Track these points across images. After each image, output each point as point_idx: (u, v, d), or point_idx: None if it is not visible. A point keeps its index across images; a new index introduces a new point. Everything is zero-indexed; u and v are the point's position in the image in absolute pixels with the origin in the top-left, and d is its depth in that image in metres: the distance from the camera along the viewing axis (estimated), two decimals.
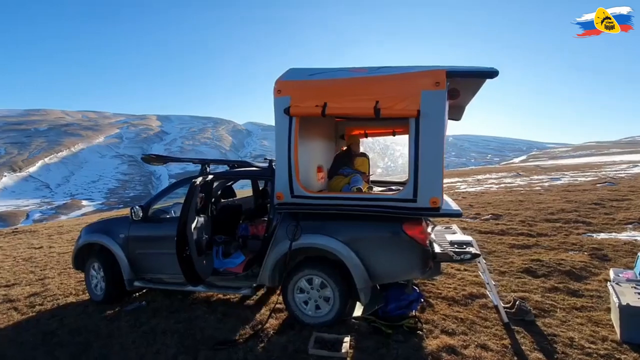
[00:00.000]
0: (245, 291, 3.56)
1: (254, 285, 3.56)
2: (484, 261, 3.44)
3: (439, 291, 4.04)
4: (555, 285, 4.08)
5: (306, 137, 4.16)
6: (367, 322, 3.27)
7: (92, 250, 4.24)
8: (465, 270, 4.79)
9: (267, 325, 3.35)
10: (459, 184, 20.53)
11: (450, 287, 4.14)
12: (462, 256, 3.09)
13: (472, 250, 3.19)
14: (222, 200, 4.64)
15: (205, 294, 4.15)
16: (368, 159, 4.36)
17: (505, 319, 3.23)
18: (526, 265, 4.73)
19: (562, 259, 4.90)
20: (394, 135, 4.84)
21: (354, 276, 3.13)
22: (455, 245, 3.31)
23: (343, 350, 2.81)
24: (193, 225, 3.18)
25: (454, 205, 3.08)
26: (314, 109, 2.93)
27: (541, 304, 3.59)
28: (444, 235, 3.69)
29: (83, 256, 4.31)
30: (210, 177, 3.66)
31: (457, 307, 3.62)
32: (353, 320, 3.35)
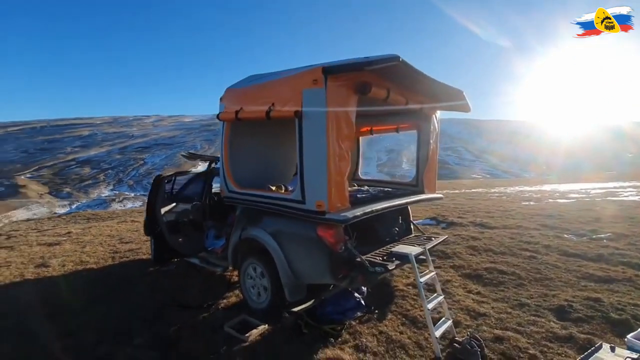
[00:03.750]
0: (220, 269, 4.18)
1: (227, 265, 4.13)
2: (422, 281, 2.87)
3: (409, 308, 3.58)
4: (574, 334, 2.98)
5: (287, 137, 4.39)
6: (295, 318, 3.33)
7: None
8: (478, 293, 3.99)
9: (225, 301, 3.86)
10: (628, 190, 15.25)
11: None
12: (375, 268, 2.77)
13: (389, 265, 2.80)
14: None
15: (213, 270, 4.96)
16: None
17: (438, 354, 2.69)
18: (567, 304, 3.55)
19: (637, 304, 3.43)
20: (397, 132, 4.43)
21: (278, 268, 3.25)
22: (384, 257, 2.95)
23: (247, 335, 3.04)
24: (166, 209, 3.98)
25: (356, 212, 2.75)
26: (232, 114, 3.20)
27: (516, 351, 2.77)
28: (399, 246, 3.28)
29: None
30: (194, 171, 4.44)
31: (404, 328, 3.19)
32: (286, 314, 3.46)
